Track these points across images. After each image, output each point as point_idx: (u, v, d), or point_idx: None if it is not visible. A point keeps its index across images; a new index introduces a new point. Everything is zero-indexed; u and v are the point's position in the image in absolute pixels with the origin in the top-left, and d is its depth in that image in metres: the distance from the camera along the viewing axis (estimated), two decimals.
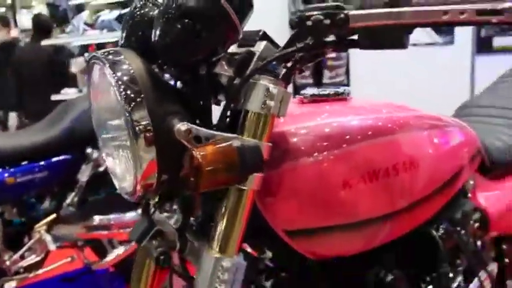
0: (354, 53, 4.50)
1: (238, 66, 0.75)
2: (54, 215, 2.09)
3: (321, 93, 0.96)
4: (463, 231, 1.16)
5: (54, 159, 2.09)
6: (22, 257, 2.07)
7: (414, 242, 1.01)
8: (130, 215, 2.23)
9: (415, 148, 0.93)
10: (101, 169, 2.15)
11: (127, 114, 0.69)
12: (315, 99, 0.95)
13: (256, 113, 0.72)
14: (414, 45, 4.13)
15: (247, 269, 0.79)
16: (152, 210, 0.83)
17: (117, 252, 2.29)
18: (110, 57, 0.72)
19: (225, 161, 0.65)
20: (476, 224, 1.24)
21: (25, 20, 8.57)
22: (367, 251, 0.91)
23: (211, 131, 0.70)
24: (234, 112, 0.77)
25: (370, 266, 0.94)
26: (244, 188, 0.71)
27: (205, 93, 0.76)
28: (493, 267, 1.41)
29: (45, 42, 3.90)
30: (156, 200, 0.80)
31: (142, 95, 0.69)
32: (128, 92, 0.69)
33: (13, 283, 2.05)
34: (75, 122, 2.12)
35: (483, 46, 3.96)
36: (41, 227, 2.04)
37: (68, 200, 2.17)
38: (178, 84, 0.80)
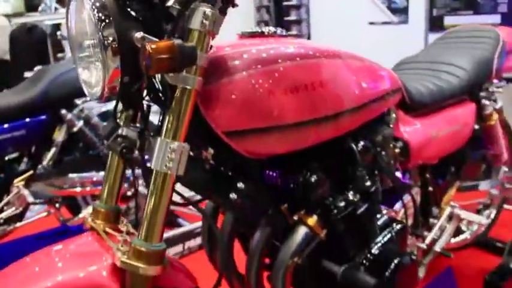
0: (316, 29, 4.72)
1: (185, 1, 0.95)
2: (31, 172, 2.24)
3: (258, 30, 1.17)
4: (383, 152, 1.38)
5: (30, 119, 2.24)
6: (1, 211, 2.23)
7: (337, 153, 1.24)
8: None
9: (333, 71, 1.15)
10: (75, 129, 2.32)
11: (99, 33, 0.89)
12: (253, 35, 1.16)
13: (196, 30, 0.92)
14: (371, 23, 4.42)
15: (195, 170, 1.00)
16: (118, 115, 1.03)
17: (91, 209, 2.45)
18: None
19: (169, 52, 0.85)
20: (397, 150, 1.47)
21: None
22: (296, 156, 1.13)
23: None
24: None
25: (299, 170, 1.16)
26: (188, 87, 0.91)
27: (158, 19, 0.96)
28: (417, 191, 1.64)
29: (16, 21, 4.00)
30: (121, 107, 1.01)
31: (110, 18, 0.90)
32: (100, 14, 0.90)
33: None
34: (50, 85, 2.28)
35: (435, 25, 4.24)
36: (19, 182, 2.20)
37: (45, 161, 2.33)
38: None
